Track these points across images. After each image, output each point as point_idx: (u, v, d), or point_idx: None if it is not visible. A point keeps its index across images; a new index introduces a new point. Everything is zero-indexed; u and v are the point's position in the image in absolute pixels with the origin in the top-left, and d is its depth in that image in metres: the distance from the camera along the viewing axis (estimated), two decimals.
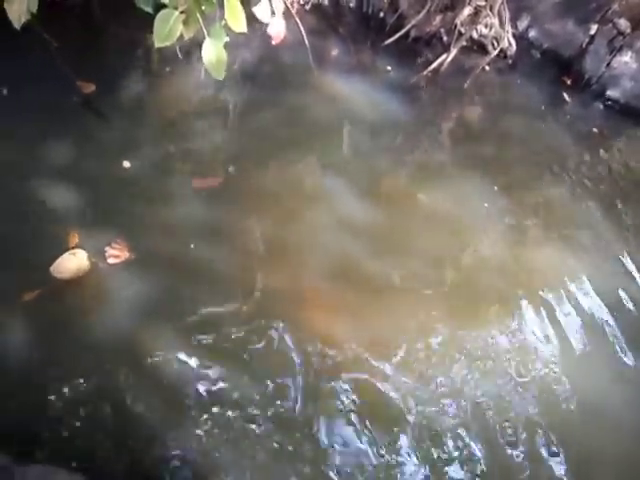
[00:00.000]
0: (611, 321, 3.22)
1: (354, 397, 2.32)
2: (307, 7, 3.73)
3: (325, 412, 2.23)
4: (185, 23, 2.03)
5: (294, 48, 3.41)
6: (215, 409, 2.14)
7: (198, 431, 2.05)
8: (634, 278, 3.52)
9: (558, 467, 2.33)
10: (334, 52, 3.82)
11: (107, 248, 2.54)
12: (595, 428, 2.51)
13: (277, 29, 2.46)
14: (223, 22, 2.14)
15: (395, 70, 4.00)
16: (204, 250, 2.63)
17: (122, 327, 2.32)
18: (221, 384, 2.20)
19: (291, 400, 2.24)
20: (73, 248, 2.49)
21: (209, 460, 1.97)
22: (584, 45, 5.13)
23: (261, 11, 2.30)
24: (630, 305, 3.30)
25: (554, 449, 2.38)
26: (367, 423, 2.24)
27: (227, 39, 2.22)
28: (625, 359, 3.06)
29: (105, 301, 2.39)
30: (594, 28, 5.07)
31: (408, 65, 4.06)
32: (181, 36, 2.12)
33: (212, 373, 2.24)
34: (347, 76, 3.72)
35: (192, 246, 2.62)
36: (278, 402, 2.22)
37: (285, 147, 3.09)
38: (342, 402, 2.30)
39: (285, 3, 2.30)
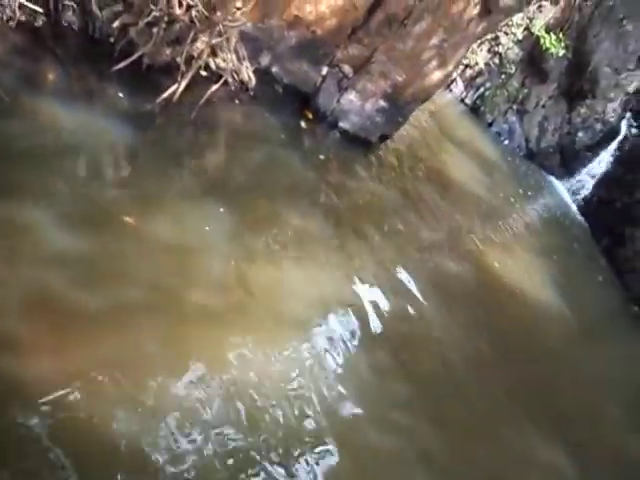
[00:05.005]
0: (338, 328, 3.71)
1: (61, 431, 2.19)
2: (12, 24, 3.39)
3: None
4: None
5: None
6: None
7: None
8: (359, 290, 4.11)
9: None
10: (51, 76, 3.57)
11: None
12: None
13: None
14: None
15: (127, 98, 3.94)
16: None
17: None
18: None
19: None
20: None
21: None
22: (318, 84, 5.90)
23: None
24: (353, 316, 3.86)
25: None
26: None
27: None
28: (347, 357, 3.56)
29: None
30: (325, 70, 5.88)
31: (142, 93, 4.04)
32: None
33: None
34: (68, 102, 3.52)
35: None
36: None
37: None
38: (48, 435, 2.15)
39: None
